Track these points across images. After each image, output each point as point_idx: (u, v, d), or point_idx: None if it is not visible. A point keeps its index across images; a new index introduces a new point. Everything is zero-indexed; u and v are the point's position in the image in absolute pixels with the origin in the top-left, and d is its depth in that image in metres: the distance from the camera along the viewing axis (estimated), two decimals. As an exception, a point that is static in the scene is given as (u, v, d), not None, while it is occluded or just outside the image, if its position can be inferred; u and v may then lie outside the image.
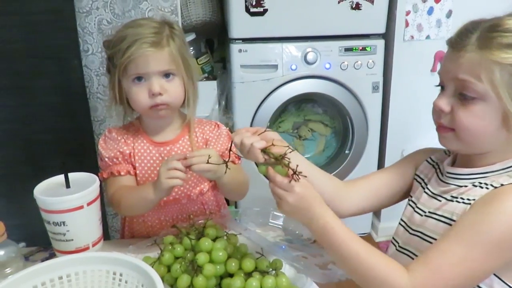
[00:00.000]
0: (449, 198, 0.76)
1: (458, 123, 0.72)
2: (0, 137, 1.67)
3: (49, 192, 0.84)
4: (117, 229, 1.83)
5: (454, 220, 0.72)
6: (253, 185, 2.02)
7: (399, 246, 0.86)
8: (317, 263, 0.86)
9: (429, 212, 0.79)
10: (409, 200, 0.88)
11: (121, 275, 0.74)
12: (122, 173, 0.99)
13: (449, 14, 1.90)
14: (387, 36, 1.92)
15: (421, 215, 0.80)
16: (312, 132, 2.11)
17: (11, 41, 1.60)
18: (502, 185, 0.69)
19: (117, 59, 0.93)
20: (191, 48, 2.02)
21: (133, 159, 1.01)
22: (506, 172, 0.72)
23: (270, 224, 1.05)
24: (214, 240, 0.81)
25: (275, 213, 1.06)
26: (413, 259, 0.80)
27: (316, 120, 2.09)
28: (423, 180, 0.86)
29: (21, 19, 1.60)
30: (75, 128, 1.72)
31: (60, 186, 0.86)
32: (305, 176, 0.75)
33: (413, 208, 0.84)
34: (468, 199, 0.71)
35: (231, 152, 1.02)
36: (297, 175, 0.72)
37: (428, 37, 1.90)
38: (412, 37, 1.90)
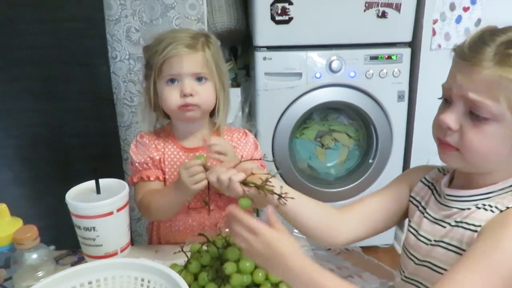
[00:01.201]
0: (453, 223, 0.70)
1: (467, 144, 0.66)
2: (30, 140, 1.72)
3: (80, 197, 0.86)
4: (140, 233, 1.86)
5: (463, 249, 0.67)
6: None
7: (405, 276, 0.80)
8: (344, 275, 0.86)
9: (434, 240, 0.73)
10: (409, 226, 0.82)
11: (149, 281, 0.75)
12: (151, 179, 1.00)
13: (478, 23, 1.86)
14: (414, 44, 1.90)
15: (427, 244, 0.75)
16: (335, 142, 2.10)
17: (43, 47, 1.65)
18: (507, 207, 0.64)
19: (153, 60, 0.96)
20: (216, 55, 2.04)
21: (163, 165, 1.02)
22: (509, 191, 0.67)
23: (295, 234, 1.04)
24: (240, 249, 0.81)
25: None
26: None
27: (341, 130, 2.08)
28: (420, 203, 0.80)
29: (53, 26, 1.64)
30: (102, 133, 1.75)
31: (90, 192, 0.88)
32: (293, 198, 0.72)
33: (415, 235, 0.78)
34: (474, 225, 0.67)
35: (258, 157, 1.03)
36: (284, 198, 0.67)
37: (456, 46, 1.87)
38: (440, 46, 1.87)
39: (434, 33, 1.86)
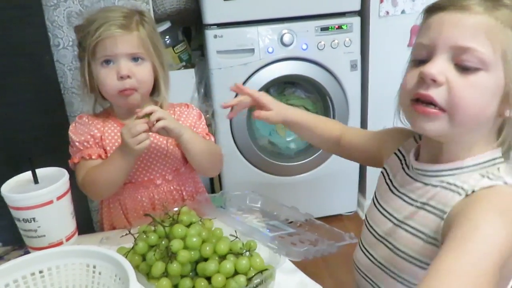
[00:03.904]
0: (418, 204, 0.67)
1: (456, 101, 0.57)
2: (-24, 138, 1.64)
3: (18, 189, 0.83)
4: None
5: (428, 235, 0.64)
6: (232, 170, 2.02)
7: (363, 246, 0.79)
8: (293, 241, 0.87)
9: (398, 220, 0.70)
10: (374, 196, 0.80)
11: (94, 267, 0.73)
12: (93, 157, 0.98)
13: (423, -13, 1.89)
14: (363, 13, 1.91)
15: (392, 222, 0.71)
16: (294, 115, 2.10)
17: (-22, 39, 1.56)
18: (473, 191, 0.59)
19: (86, 42, 0.93)
20: (167, 37, 1.99)
21: (104, 143, 1.00)
22: (477, 169, 0.63)
23: (248, 207, 1.05)
24: (188, 226, 0.81)
25: (253, 196, 1.06)
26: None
27: (299, 104, 2.08)
28: (388, 175, 0.78)
29: (-12, 16, 1.55)
30: (52, 125, 1.68)
31: (28, 183, 0.84)
32: None
33: (378, 209, 0.76)
34: (440, 209, 0.63)
35: (202, 129, 1.03)
36: None
37: (403, 11, 1.88)
38: (388, 12, 1.88)
39: (381, 0, 1.87)
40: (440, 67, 0.58)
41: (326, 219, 0.99)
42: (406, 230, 0.68)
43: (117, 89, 0.94)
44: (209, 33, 1.83)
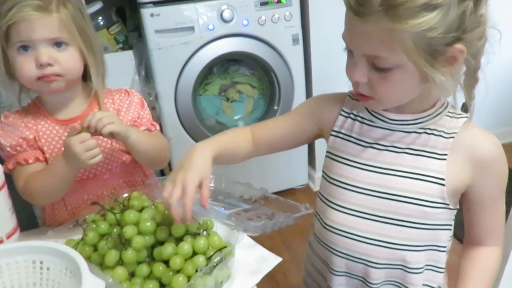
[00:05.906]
0: (411, 151, 0.74)
1: (379, 94, 0.69)
2: None
3: None
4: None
5: (427, 176, 0.73)
6: (180, 152, 1.98)
7: (341, 206, 0.80)
8: (250, 217, 0.86)
9: (393, 170, 0.75)
10: (340, 158, 0.81)
11: (41, 262, 0.69)
12: (30, 161, 0.90)
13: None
14: (301, -14, 1.90)
15: (377, 172, 0.76)
16: (239, 94, 2.09)
17: None
18: (455, 133, 0.72)
19: None
20: (100, 17, 1.88)
21: (39, 143, 0.92)
22: (441, 112, 0.74)
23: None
24: (140, 211, 0.78)
25: (205, 175, 1.04)
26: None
27: (244, 82, 2.07)
28: (349, 136, 0.80)
29: None
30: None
31: (-43, 180, 0.77)
32: None
33: (356, 167, 0.78)
34: (438, 153, 0.72)
35: (147, 119, 0.99)
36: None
37: (340, -16, 1.90)
38: (325, -15, 1.89)
39: (318, -28, 1.87)
40: (361, 70, 0.68)
41: (279, 193, 0.99)
42: (407, 177, 0.74)
43: (36, 75, 0.85)
44: (145, 12, 1.74)
